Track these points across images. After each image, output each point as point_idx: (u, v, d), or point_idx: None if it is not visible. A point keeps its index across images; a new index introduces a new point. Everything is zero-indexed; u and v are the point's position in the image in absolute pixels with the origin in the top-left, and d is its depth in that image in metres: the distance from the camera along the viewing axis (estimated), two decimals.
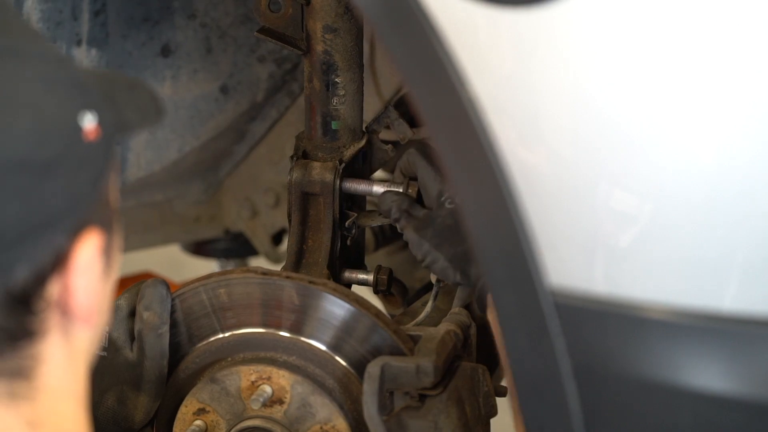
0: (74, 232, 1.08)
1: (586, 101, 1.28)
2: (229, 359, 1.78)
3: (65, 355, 1.12)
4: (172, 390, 1.80)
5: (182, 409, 1.78)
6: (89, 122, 1.08)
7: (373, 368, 1.64)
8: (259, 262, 2.72)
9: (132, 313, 1.74)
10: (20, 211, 1.03)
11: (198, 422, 1.77)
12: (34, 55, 1.09)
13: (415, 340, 1.72)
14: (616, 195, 1.31)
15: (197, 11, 2.26)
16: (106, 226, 1.12)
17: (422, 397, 1.67)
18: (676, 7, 1.25)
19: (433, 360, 1.64)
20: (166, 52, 2.26)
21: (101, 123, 1.09)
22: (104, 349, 1.72)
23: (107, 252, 1.13)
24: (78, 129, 1.07)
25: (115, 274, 1.17)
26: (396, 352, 1.71)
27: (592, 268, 1.33)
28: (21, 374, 1.08)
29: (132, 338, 1.74)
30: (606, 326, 1.33)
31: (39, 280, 1.06)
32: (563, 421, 1.36)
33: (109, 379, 1.73)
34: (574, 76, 1.28)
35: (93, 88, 1.12)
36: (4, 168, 1.02)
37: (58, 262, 1.07)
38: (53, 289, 1.08)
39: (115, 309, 1.72)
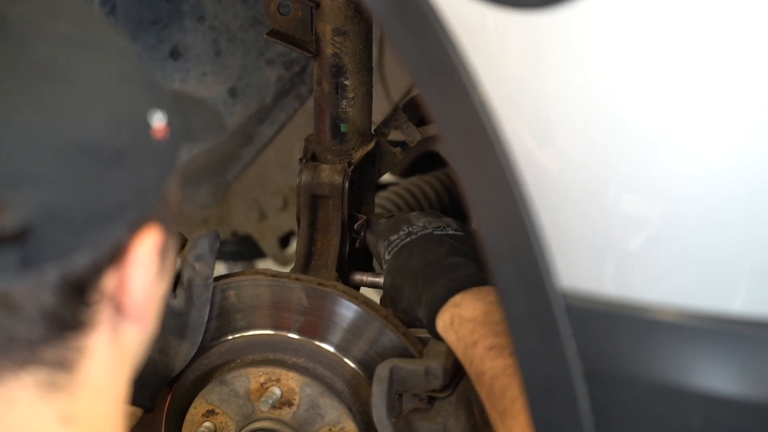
0: (135, 226, 1.08)
1: (598, 103, 1.28)
2: (239, 361, 1.78)
3: (111, 353, 1.11)
4: (181, 391, 1.80)
5: (191, 410, 1.78)
6: (159, 120, 1.08)
7: (382, 370, 1.64)
8: (266, 265, 2.73)
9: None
10: (86, 198, 1.03)
11: (207, 424, 1.78)
12: (113, 49, 1.10)
13: (424, 342, 1.72)
14: (627, 197, 1.31)
15: (206, 14, 2.26)
16: (166, 227, 1.12)
17: (431, 400, 1.67)
18: (687, 10, 1.25)
19: (442, 362, 1.64)
20: (175, 54, 2.26)
21: (170, 124, 1.09)
22: None
23: (164, 253, 1.13)
24: (147, 125, 1.08)
25: (169, 279, 1.17)
26: (405, 355, 1.71)
27: (603, 271, 1.33)
28: (64, 365, 1.08)
29: (173, 287, 1.74)
30: (616, 328, 1.33)
31: (96, 271, 1.06)
32: (574, 424, 1.36)
33: None
34: (585, 79, 1.28)
35: (165, 91, 1.13)
36: (75, 152, 1.03)
37: (117, 254, 1.07)
38: (109, 281, 1.08)
39: None
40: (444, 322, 1.67)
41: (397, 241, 1.78)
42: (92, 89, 1.06)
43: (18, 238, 1.00)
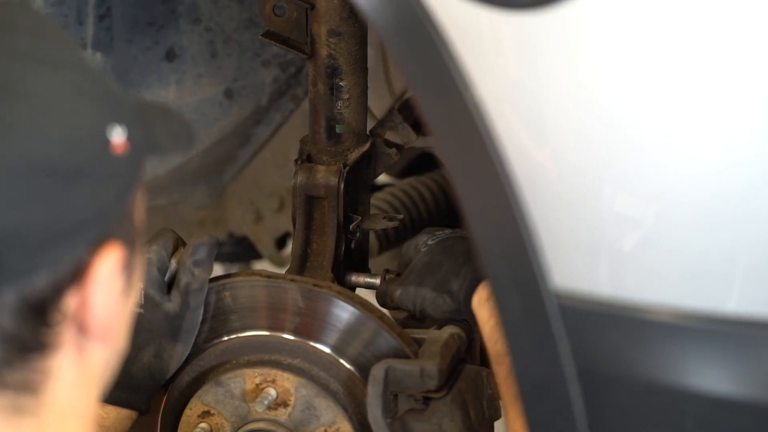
0: (96, 245, 1.06)
1: (591, 104, 1.28)
2: (234, 362, 1.78)
3: (77, 373, 1.09)
4: (176, 393, 1.80)
5: (187, 411, 1.78)
6: (118, 136, 1.06)
7: (378, 371, 1.64)
8: (262, 266, 2.73)
9: (161, 266, 1.74)
10: (44, 217, 1.02)
11: (203, 425, 1.78)
12: (69, 64, 1.08)
13: (419, 342, 1.72)
14: (620, 198, 1.31)
15: (202, 15, 2.26)
16: (129, 243, 1.11)
17: (426, 400, 1.67)
18: (679, 11, 1.25)
19: (438, 363, 1.64)
20: (170, 56, 2.26)
21: (130, 138, 1.08)
22: (141, 306, 1.72)
23: (128, 269, 1.11)
24: (106, 141, 1.06)
25: (135, 297, 1.15)
26: (400, 355, 1.71)
27: (597, 271, 1.33)
28: (28, 388, 1.06)
29: (165, 290, 1.74)
30: (610, 328, 1.33)
31: (56, 291, 1.04)
32: (567, 424, 1.36)
33: (146, 335, 1.73)
34: (578, 79, 1.28)
35: (126, 105, 1.11)
36: (31, 171, 1.01)
37: (78, 273, 1.05)
38: (70, 301, 1.06)
39: (149, 264, 1.72)
40: (480, 297, 1.67)
41: (442, 234, 1.81)
42: (47, 106, 1.04)
43: None
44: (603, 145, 1.30)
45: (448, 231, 1.82)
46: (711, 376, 1.32)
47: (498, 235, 1.34)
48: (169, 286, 1.75)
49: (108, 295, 1.08)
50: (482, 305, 1.67)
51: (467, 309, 1.71)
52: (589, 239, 1.32)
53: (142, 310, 1.71)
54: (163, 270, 1.73)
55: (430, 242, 1.81)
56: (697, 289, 1.31)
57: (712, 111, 1.26)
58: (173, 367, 1.76)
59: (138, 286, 1.14)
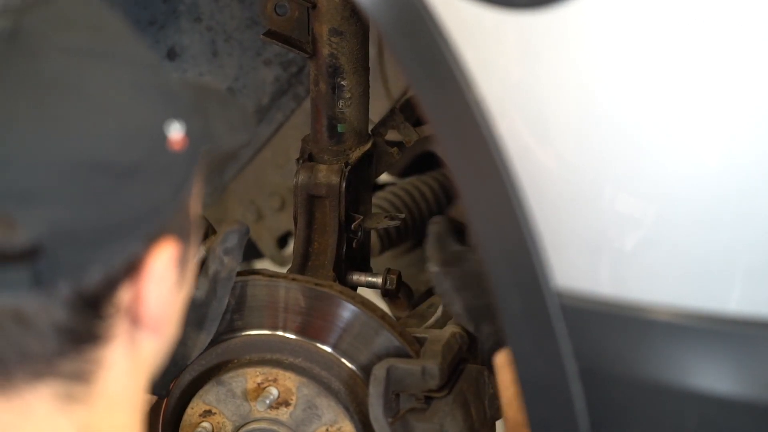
0: (150, 240, 1.07)
1: (593, 104, 1.28)
2: (236, 361, 1.78)
3: (128, 364, 1.10)
4: (178, 391, 1.80)
5: (188, 411, 1.78)
6: (176, 132, 1.07)
7: (379, 370, 1.64)
8: (264, 265, 2.73)
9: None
10: (98, 214, 1.02)
11: (204, 424, 1.78)
12: (126, 59, 1.08)
13: (420, 342, 1.72)
14: (622, 197, 1.31)
15: (203, 15, 2.26)
16: (184, 238, 1.11)
17: (428, 400, 1.67)
18: (681, 11, 1.25)
19: (439, 362, 1.64)
20: (171, 55, 2.26)
21: (188, 134, 1.08)
22: None
23: (182, 263, 1.12)
24: (163, 137, 1.06)
25: (189, 288, 1.16)
26: (402, 355, 1.71)
27: (598, 270, 1.33)
28: (81, 377, 1.07)
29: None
30: (612, 328, 1.33)
31: (111, 285, 1.05)
32: (569, 423, 1.36)
33: None
34: (580, 79, 1.28)
35: (184, 98, 1.11)
36: (87, 168, 1.02)
37: (132, 268, 1.06)
38: (124, 295, 1.07)
39: None
40: (503, 359, 1.65)
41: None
42: (104, 103, 1.05)
43: (29, 255, 1.00)
44: (604, 144, 1.30)
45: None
46: (712, 376, 1.32)
47: (500, 235, 1.34)
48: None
49: (161, 289, 1.09)
50: (504, 369, 1.63)
51: (488, 366, 1.69)
52: (590, 239, 1.32)
53: None
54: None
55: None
56: (698, 289, 1.31)
57: (712, 111, 1.26)
58: (195, 354, 1.76)
59: (192, 278, 1.15)
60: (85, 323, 1.06)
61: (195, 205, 1.14)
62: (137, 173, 1.04)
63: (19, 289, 1.01)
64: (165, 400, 1.81)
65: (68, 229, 1.01)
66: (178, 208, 1.09)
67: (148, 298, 1.08)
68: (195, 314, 1.74)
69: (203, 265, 1.73)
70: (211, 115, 1.16)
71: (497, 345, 1.67)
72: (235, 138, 1.18)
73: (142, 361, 1.13)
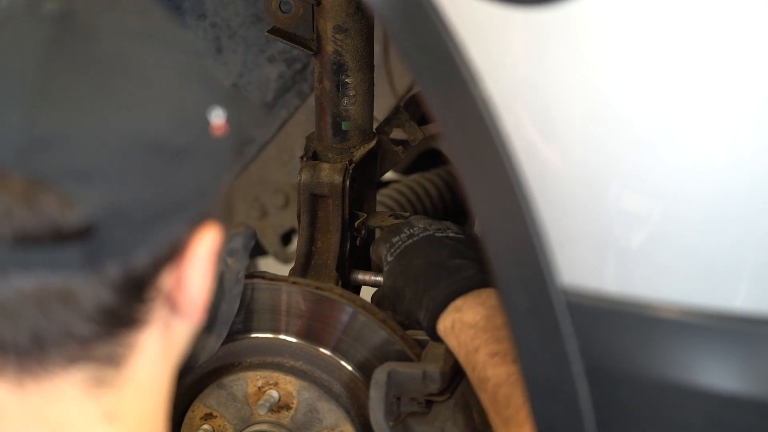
0: (195, 224, 1.07)
1: (599, 100, 1.28)
2: (237, 364, 1.78)
3: (160, 349, 1.11)
4: (179, 395, 1.80)
5: (189, 414, 1.78)
6: (218, 118, 1.08)
7: (380, 374, 1.63)
8: (268, 262, 2.73)
9: None
10: (150, 194, 1.03)
11: (205, 427, 1.78)
12: (176, 43, 1.10)
13: (422, 345, 1.72)
14: (628, 194, 1.30)
15: (207, 11, 2.26)
16: (221, 224, 1.12)
17: (429, 403, 1.67)
18: (686, 8, 1.25)
19: (440, 366, 1.64)
20: None
21: (228, 121, 1.09)
22: None
23: (218, 250, 1.12)
24: (207, 123, 1.07)
25: (214, 276, 1.16)
26: (403, 358, 1.71)
27: (604, 268, 1.33)
28: (112, 361, 1.07)
29: None
30: (618, 326, 1.33)
31: (156, 268, 1.06)
32: (575, 422, 1.36)
33: None
34: (586, 76, 1.28)
35: (223, 86, 1.13)
36: (143, 148, 1.03)
37: (176, 251, 1.07)
38: (167, 279, 1.07)
39: None
40: (445, 326, 1.66)
41: (399, 243, 1.78)
42: (158, 85, 1.06)
43: (83, 234, 1.00)
44: (611, 142, 1.29)
45: (404, 235, 1.79)
46: (719, 374, 1.32)
47: (506, 232, 1.34)
48: None
49: (201, 275, 1.09)
50: (448, 335, 1.66)
51: (436, 338, 1.70)
52: (597, 236, 1.32)
53: None
54: None
55: (389, 258, 1.78)
56: (705, 287, 1.31)
57: (719, 107, 1.26)
58: (203, 357, 1.76)
59: (217, 266, 1.15)
60: (128, 306, 1.06)
61: (227, 194, 1.14)
62: (186, 156, 1.05)
63: (70, 268, 1.01)
64: None
65: (123, 209, 1.02)
66: (217, 194, 1.10)
67: (189, 282, 1.09)
68: (205, 317, 1.73)
69: None
70: (241, 108, 1.16)
71: (434, 321, 1.68)
72: (256, 130, 1.19)
73: (172, 346, 1.13)
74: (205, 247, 1.09)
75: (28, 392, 1.07)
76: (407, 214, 2.07)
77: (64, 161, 1.00)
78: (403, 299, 1.73)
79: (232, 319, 1.75)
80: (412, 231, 1.78)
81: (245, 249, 1.73)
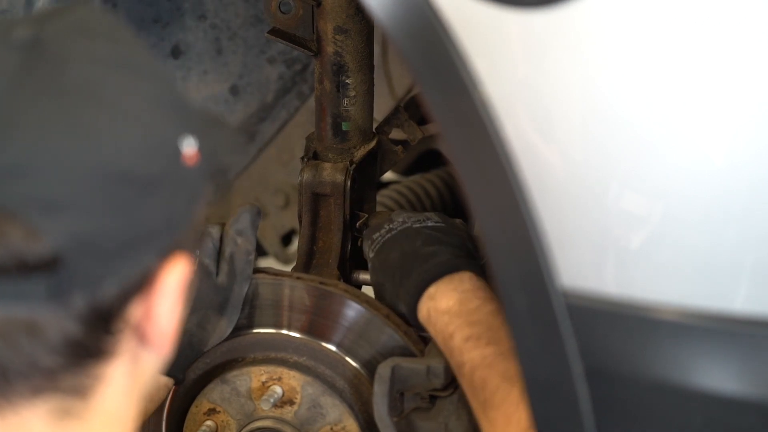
0: (164, 255, 1.06)
1: (598, 102, 1.28)
2: (240, 360, 1.78)
3: (127, 380, 1.09)
4: (182, 390, 1.80)
5: (193, 409, 1.79)
6: (189, 147, 1.06)
7: (384, 369, 1.64)
8: (268, 263, 2.73)
9: (217, 238, 1.74)
10: (119, 225, 1.02)
11: (209, 422, 1.78)
12: (146, 71, 1.08)
13: (425, 341, 1.72)
14: (627, 196, 1.30)
15: (207, 12, 2.26)
16: (191, 254, 1.10)
17: (433, 399, 1.67)
18: (686, 8, 1.25)
19: (444, 361, 1.64)
20: (176, 53, 2.26)
21: (200, 149, 1.07)
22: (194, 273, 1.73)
23: (189, 281, 1.11)
24: (178, 152, 1.06)
25: (184, 308, 1.14)
26: (407, 353, 1.71)
27: (604, 270, 1.33)
28: (79, 392, 1.06)
29: (218, 264, 1.74)
30: (617, 327, 1.33)
31: (124, 299, 1.04)
32: (575, 423, 1.36)
33: (194, 303, 1.73)
34: (586, 77, 1.28)
35: (196, 115, 1.11)
36: (112, 179, 1.01)
37: (145, 283, 1.05)
38: (135, 310, 1.06)
39: (206, 235, 1.72)
40: (422, 316, 1.67)
41: (379, 238, 1.78)
42: (128, 115, 1.04)
43: (48, 265, 0.99)
44: (610, 143, 1.29)
45: (384, 230, 1.79)
46: (718, 376, 1.32)
47: (506, 233, 1.34)
48: (218, 259, 1.74)
49: (171, 306, 1.08)
50: (427, 324, 1.67)
51: (420, 329, 1.70)
52: (596, 237, 1.32)
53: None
54: (217, 242, 1.73)
55: (371, 255, 1.79)
56: (705, 288, 1.31)
57: (719, 108, 1.26)
58: (214, 340, 1.76)
59: (186, 297, 1.14)
60: (95, 338, 1.04)
61: (199, 223, 1.13)
62: (156, 186, 1.04)
63: (35, 300, 1.00)
64: (170, 396, 1.81)
65: (89, 240, 1.00)
66: (189, 224, 1.09)
67: (158, 313, 1.07)
68: (216, 299, 1.73)
69: (221, 248, 1.73)
70: (214, 135, 1.15)
71: (414, 311, 1.68)
72: (233, 158, 1.18)
73: (140, 378, 1.11)
74: (174, 278, 1.07)
75: None
76: None
77: (29, 191, 0.99)
78: (385, 294, 1.74)
79: (242, 303, 1.75)
80: (391, 226, 1.78)
81: (253, 227, 1.73)
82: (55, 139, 1.00)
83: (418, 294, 1.67)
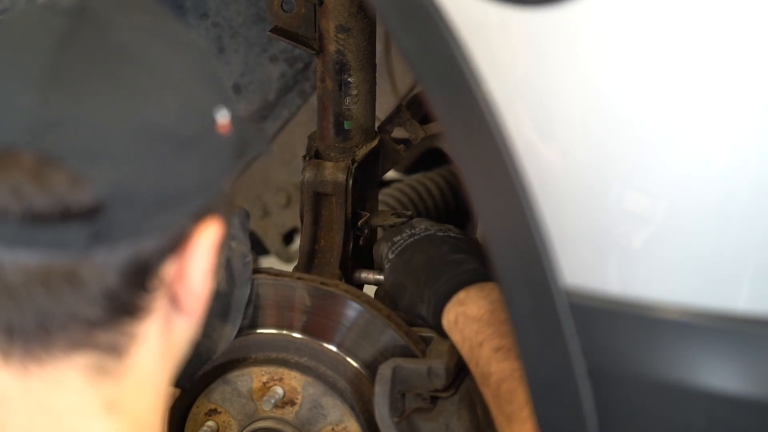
0: (198, 216, 1.10)
1: (600, 101, 1.28)
2: (241, 360, 1.78)
3: (160, 342, 1.12)
4: (183, 390, 1.80)
5: (194, 409, 1.78)
6: (223, 117, 1.11)
7: (385, 370, 1.63)
8: (270, 262, 2.73)
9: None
10: (157, 180, 1.05)
11: (210, 423, 1.78)
12: (184, 42, 1.13)
13: (426, 341, 1.71)
14: (630, 195, 1.30)
15: (209, 11, 2.26)
16: (224, 221, 1.14)
17: (434, 399, 1.67)
18: (687, 8, 1.24)
19: (445, 362, 1.64)
20: None
21: (233, 121, 1.12)
22: None
23: (220, 248, 1.14)
24: (213, 120, 1.10)
25: (216, 278, 1.18)
26: (408, 354, 1.71)
27: (607, 269, 1.33)
28: (115, 350, 1.09)
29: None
30: (620, 326, 1.32)
31: (160, 256, 1.08)
32: (577, 422, 1.35)
33: None
34: (588, 76, 1.27)
35: (228, 89, 1.16)
36: (152, 134, 1.05)
37: (179, 242, 1.09)
38: (169, 269, 1.09)
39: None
40: (448, 320, 1.66)
41: (401, 241, 1.78)
42: (167, 77, 1.09)
43: (91, 214, 1.02)
44: (612, 142, 1.29)
45: (406, 234, 1.80)
46: (720, 374, 1.32)
47: (508, 233, 1.33)
48: None
49: (202, 269, 1.11)
50: (452, 329, 1.67)
51: (439, 332, 1.70)
52: (599, 237, 1.32)
53: None
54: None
55: (390, 256, 1.79)
56: (707, 287, 1.31)
57: (721, 107, 1.26)
58: (221, 346, 1.77)
59: (219, 266, 1.17)
60: (132, 293, 1.08)
61: (230, 196, 1.16)
62: (193, 147, 1.07)
63: (76, 247, 1.03)
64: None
65: (130, 191, 1.04)
66: (221, 190, 1.12)
67: (190, 275, 1.10)
68: (219, 305, 1.74)
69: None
70: (244, 122, 1.19)
71: (438, 315, 1.68)
72: (259, 138, 1.21)
73: (173, 342, 1.15)
74: (207, 240, 1.10)
75: (32, 378, 1.08)
76: (410, 212, 2.08)
77: (74, 141, 1.03)
78: (405, 294, 1.73)
79: (245, 306, 1.75)
80: (413, 231, 1.79)
81: (244, 229, 1.75)
82: (99, 94, 1.05)
83: (447, 297, 1.67)
